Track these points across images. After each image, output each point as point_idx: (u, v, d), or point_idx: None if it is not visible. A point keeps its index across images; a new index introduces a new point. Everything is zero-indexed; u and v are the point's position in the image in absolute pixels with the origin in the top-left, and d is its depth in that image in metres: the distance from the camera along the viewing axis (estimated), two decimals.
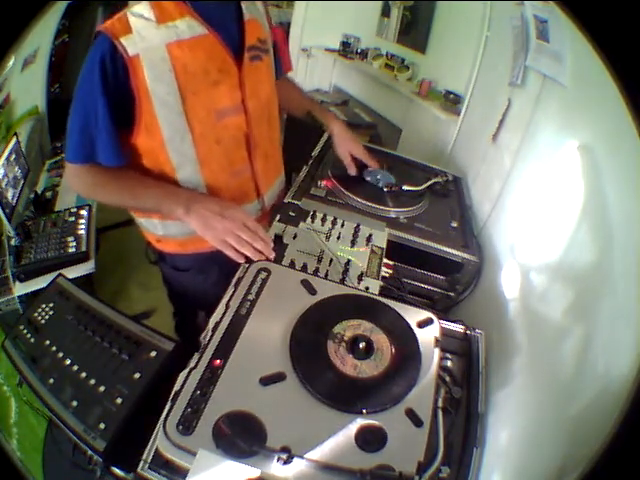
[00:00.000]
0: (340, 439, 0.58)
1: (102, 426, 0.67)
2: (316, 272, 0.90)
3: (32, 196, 1.80)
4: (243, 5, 0.95)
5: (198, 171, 0.94)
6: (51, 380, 0.75)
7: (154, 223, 1.04)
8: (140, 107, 0.84)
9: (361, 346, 0.69)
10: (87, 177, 0.91)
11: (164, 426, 0.56)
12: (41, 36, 2.08)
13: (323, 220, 1.06)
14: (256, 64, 0.98)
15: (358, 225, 1.06)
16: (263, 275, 0.80)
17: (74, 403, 0.70)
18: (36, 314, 0.87)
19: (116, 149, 0.87)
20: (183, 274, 1.14)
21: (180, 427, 0.56)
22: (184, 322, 1.43)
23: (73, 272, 1.40)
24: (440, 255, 1.08)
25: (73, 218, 1.64)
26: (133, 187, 0.91)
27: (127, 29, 0.80)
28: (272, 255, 0.85)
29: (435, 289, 1.11)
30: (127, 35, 0.79)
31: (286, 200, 1.13)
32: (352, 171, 1.26)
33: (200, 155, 0.93)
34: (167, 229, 1.04)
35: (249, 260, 0.84)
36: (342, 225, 1.06)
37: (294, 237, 0.99)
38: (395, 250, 1.05)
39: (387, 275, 0.99)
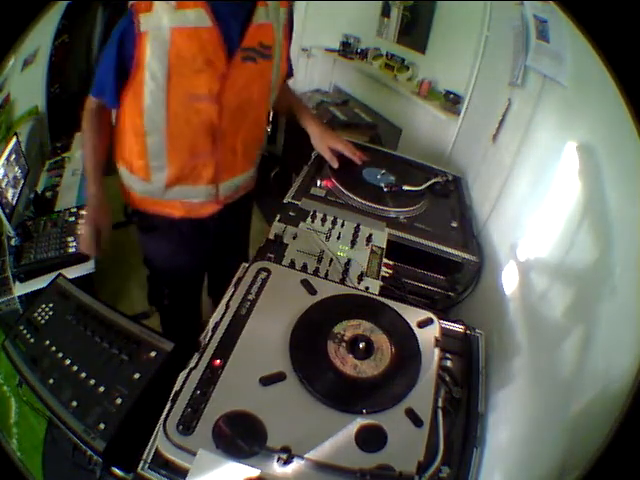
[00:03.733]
0: (340, 439, 0.58)
1: (102, 426, 0.67)
2: (316, 272, 0.90)
3: (32, 196, 1.79)
4: (260, 10, 1.02)
5: (164, 142, 1.06)
6: (51, 380, 0.75)
7: (126, 171, 1.16)
8: (136, 73, 0.97)
9: (361, 346, 0.69)
10: (88, 118, 1.10)
11: (164, 426, 0.56)
12: (41, 36, 2.08)
13: (323, 220, 1.06)
14: (248, 65, 1.04)
15: (358, 225, 1.06)
16: (263, 275, 0.80)
17: (74, 403, 0.70)
18: (36, 314, 0.87)
19: (116, 95, 1.02)
20: (151, 234, 1.27)
21: (180, 427, 0.56)
22: (154, 286, 1.54)
23: (73, 272, 1.39)
24: (440, 255, 1.08)
25: (73, 218, 1.64)
26: (88, 158, 1.12)
27: (148, 8, 0.92)
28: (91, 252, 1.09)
29: (435, 289, 1.11)
30: (145, 13, 0.91)
31: (286, 200, 1.13)
32: (334, 164, 1.28)
33: (169, 128, 1.04)
34: (145, 188, 1.15)
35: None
36: (342, 225, 1.06)
37: (294, 237, 0.99)
38: (395, 250, 1.05)
39: (387, 275, 0.99)
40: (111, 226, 1.10)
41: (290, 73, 1.27)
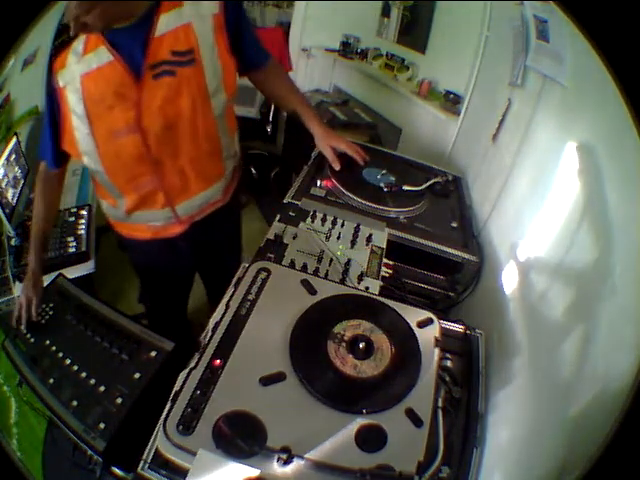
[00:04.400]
0: (340, 439, 0.58)
1: (102, 426, 0.67)
2: (316, 272, 0.90)
3: (32, 196, 1.79)
4: (164, 18, 0.95)
5: (107, 179, 1.08)
6: (51, 380, 0.75)
7: (99, 196, 1.21)
8: (64, 124, 1.03)
9: (361, 346, 0.69)
10: (37, 183, 1.15)
11: (164, 426, 0.56)
12: (41, 36, 2.08)
13: (323, 220, 1.06)
14: (164, 80, 0.97)
15: (358, 225, 1.06)
16: (263, 275, 0.80)
17: (74, 403, 0.71)
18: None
19: (55, 156, 1.09)
20: (126, 250, 1.40)
21: (180, 427, 0.56)
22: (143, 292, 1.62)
23: (73, 272, 1.39)
24: (440, 255, 1.08)
25: (73, 218, 1.64)
26: (32, 223, 1.15)
27: (63, 65, 0.98)
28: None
29: (435, 289, 1.11)
30: (61, 70, 0.98)
31: (286, 200, 1.13)
32: (336, 166, 1.26)
33: (106, 167, 1.06)
34: (111, 213, 1.20)
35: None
36: (342, 225, 1.06)
37: (294, 237, 0.99)
38: (395, 250, 1.05)
39: (387, 275, 0.99)
40: (40, 299, 1.00)
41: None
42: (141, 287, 1.65)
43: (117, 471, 0.69)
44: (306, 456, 0.55)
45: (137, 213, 1.14)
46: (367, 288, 0.88)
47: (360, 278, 0.91)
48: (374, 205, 1.16)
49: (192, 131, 1.05)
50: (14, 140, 1.70)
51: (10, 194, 1.59)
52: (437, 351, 0.72)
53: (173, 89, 0.98)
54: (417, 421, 0.62)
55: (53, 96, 1.00)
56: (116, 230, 1.24)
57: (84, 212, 1.67)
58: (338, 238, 1.01)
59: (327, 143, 1.28)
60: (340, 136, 1.32)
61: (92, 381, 0.73)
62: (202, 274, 1.53)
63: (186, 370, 0.64)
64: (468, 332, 0.83)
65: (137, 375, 0.72)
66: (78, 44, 0.97)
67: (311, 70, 2.98)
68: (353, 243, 1.01)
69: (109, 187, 1.11)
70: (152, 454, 0.58)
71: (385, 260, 0.99)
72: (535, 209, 0.92)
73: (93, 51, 0.95)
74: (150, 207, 1.14)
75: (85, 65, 0.95)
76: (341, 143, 1.29)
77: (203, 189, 1.17)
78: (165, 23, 0.95)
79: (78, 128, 1.01)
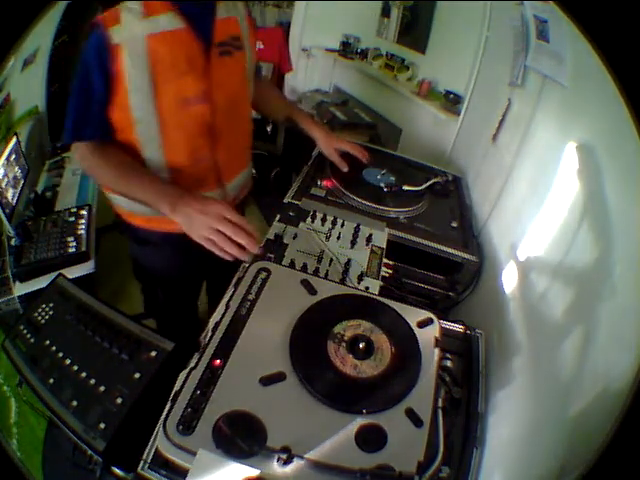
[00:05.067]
0: (340, 439, 0.58)
1: (102, 426, 0.67)
2: (316, 272, 0.90)
3: (32, 196, 1.80)
4: (221, 6, 1.03)
5: (161, 153, 1.02)
6: (51, 380, 0.75)
7: (123, 199, 1.09)
8: (117, 89, 0.93)
9: (361, 346, 0.69)
10: (86, 159, 1.00)
11: (164, 426, 0.56)
12: (41, 36, 2.08)
13: (323, 220, 1.06)
14: (225, 59, 1.03)
15: (358, 225, 1.06)
16: (263, 275, 0.80)
17: (74, 403, 0.70)
18: (36, 314, 0.87)
19: (105, 125, 0.97)
20: (143, 247, 1.21)
21: (180, 427, 0.56)
22: (150, 297, 1.49)
23: (73, 272, 1.39)
24: (440, 255, 1.08)
25: (73, 218, 1.64)
26: (128, 179, 0.97)
27: (116, 20, 0.90)
28: (257, 251, 0.85)
29: (435, 289, 1.11)
30: (115, 26, 0.89)
31: (286, 200, 1.13)
32: (344, 168, 1.27)
33: (164, 138, 1.00)
34: (131, 206, 1.07)
35: (237, 259, 0.83)
36: (342, 225, 1.06)
37: (294, 237, 0.99)
38: (395, 250, 1.05)
39: (387, 275, 0.99)
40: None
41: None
42: (148, 295, 1.51)
43: (117, 471, 0.69)
44: (306, 456, 0.55)
45: None
46: (367, 288, 0.88)
47: (360, 278, 0.91)
48: (374, 205, 1.16)
49: (241, 110, 1.14)
50: (14, 140, 1.70)
51: (10, 194, 1.59)
52: (437, 351, 0.72)
53: (231, 68, 1.07)
54: (417, 421, 0.62)
55: (100, 56, 0.90)
56: (138, 226, 1.14)
57: (84, 212, 1.67)
58: (338, 238, 1.01)
59: (331, 146, 1.29)
60: (340, 137, 1.33)
61: (92, 381, 0.73)
62: (210, 271, 1.46)
63: (186, 370, 0.64)
64: (468, 332, 0.82)
65: (137, 375, 0.72)
66: (133, 4, 0.91)
67: (311, 70, 2.99)
68: (353, 243, 1.01)
69: (155, 168, 1.03)
70: (152, 454, 0.58)
71: (385, 260, 0.99)
72: (535, 209, 0.92)
73: (159, 14, 0.92)
74: (202, 188, 1.09)
75: (151, 26, 0.91)
76: (344, 144, 1.30)
77: (242, 169, 1.22)
78: (221, 11, 1.03)
79: (136, 91, 0.93)
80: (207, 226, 0.83)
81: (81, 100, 0.94)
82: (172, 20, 0.93)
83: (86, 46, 0.92)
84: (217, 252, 0.84)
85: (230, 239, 0.83)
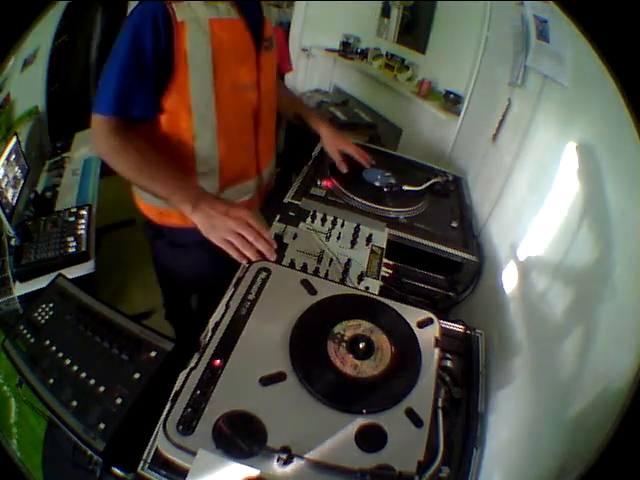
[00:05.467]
0: (340, 439, 0.58)
1: (102, 426, 0.67)
2: (316, 272, 0.90)
3: (32, 196, 1.80)
4: (264, 6, 1.10)
5: (215, 140, 1.01)
6: (51, 380, 0.75)
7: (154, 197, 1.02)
8: (177, 69, 0.91)
9: (361, 346, 0.69)
10: (112, 138, 0.90)
11: (164, 426, 0.56)
12: (41, 36, 2.08)
13: (323, 220, 1.06)
14: (269, 53, 1.11)
15: (358, 225, 1.06)
16: (263, 275, 0.80)
17: (74, 403, 0.70)
18: (36, 314, 0.87)
19: (153, 103, 0.93)
20: (180, 250, 1.14)
21: (180, 427, 0.56)
22: (175, 307, 1.44)
23: (73, 272, 1.39)
24: (440, 255, 1.08)
25: (73, 218, 1.63)
26: (150, 167, 0.91)
27: None
28: (274, 257, 0.86)
29: (435, 289, 1.11)
30: (178, 3, 0.87)
31: (286, 200, 1.13)
32: (343, 169, 1.27)
33: (219, 123, 1.00)
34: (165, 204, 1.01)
35: (250, 261, 0.84)
36: (342, 225, 1.06)
37: (294, 237, 0.99)
38: (395, 250, 1.05)
39: (387, 275, 0.99)
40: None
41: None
42: (173, 299, 1.42)
43: (117, 471, 0.68)
44: (306, 456, 0.55)
45: (227, 191, 1.10)
46: (367, 288, 0.88)
47: (360, 278, 0.91)
48: (374, 205, 1.16)
49: (274, 100, 1.20)
50: (14, 140, 1.70)
51: (10, 194, 1.59)
52: (437, 351, 0.72)
53: (271, 62, 1.14)
54: (417, 421, 0.61)
55: (159, 30, 0.85)
56: (174, 226, 1.07)
57: (84, 212, 1.67)
58: (338, 238, 1.01)
59: (335, 145, 1.30)
60: (346, 139, 1.33)
61: (92, 381, 0.73)
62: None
63: (186, 370, 0.64)
64: (468, 332, 0.82)
65: (137, 375, 0.72)
66: None
67: (311, 70, 2.99)
68: (353, 243, 1.01)
69: (207, 156, 1.02)
70: (152, 454, 0.58)
71: (385, 260, 0.99)
72: (535, 209, 0.92)
73: (218, 2, 0.94)
74: (245, 178, 1.14)
75: (213, 11, 0.92)
76: (349, 147, 1.30)
77: (272, 156, 1.27)
78: (265, 10, 1.10)
79: (198, 73, 0.92)
80: (228, 229, 0.84)
81: (131, 71, 0.87)
82: (230, 10, 0.96)
83: (143, 15, 0.86)
84: (234, 255, 0.84)
85: (249, 244, 0.83)
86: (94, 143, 0.95)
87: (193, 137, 1.00)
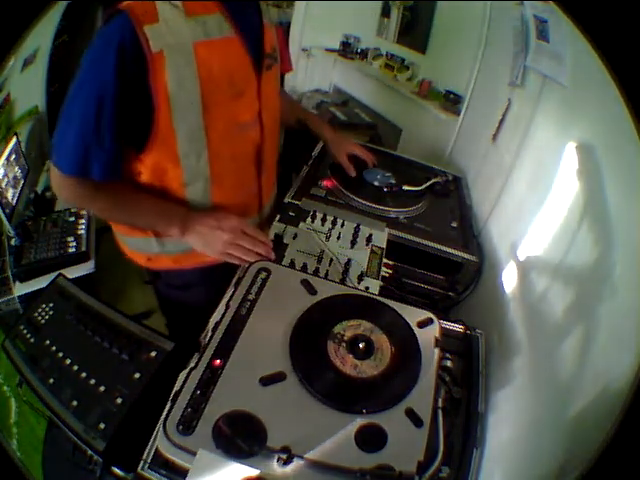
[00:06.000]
0: (340, 439, 0.58)
1: (102, 426, 0.67)
2: (316, 272, 0.90)
3: (32, 196, 1.80)
4: (263, 7, 0.86)
5: (208, 189, 0.86)
6: (51, 380, 0.75)
7: (149, 240, 0.94)
8: (157, 113, 0.72)
9: (361, 346, 0.69)
10: (76, 189, 0.79)
11: (164, 426, 0.56)
12: (41, 36, 2.08)
13: (323, 220, 1.06)
14: (269, 73, 0.89)
15: (358, 225, 1.06)
16: (263, 275, 0.80)
17: (74, 403, 0.70)
18: (36, 314, 0.87)
19: (117, 164, 0.76)
20: (182, 292, 1.05)
21: (180, 427, 0.56)
22: (180, 328, 1.38)
23: (73, 272, 1.39)
24: (440, 255, 1.08)
25: (73, 218, 1.64)
26: (125, 203, 0.83)
27: (153, 16, 0.66)
28: (273, 256, 0.87)
29: (435, 289, 1.11)
30: (153, 24, 0.66)
31: (286, 200, 1.13)
32: (352, 173, 1.26)
33: (214, 172, 0.85)
34: (163, 246, 0.95)
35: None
36: (342, 225, 1.06)
37: (294, 237, 0.99)
38: (395, 250, 1.05)
39: (387, 275, 0.99)
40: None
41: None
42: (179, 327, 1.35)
43: (117, 471, 0.69)
44: (306, 456, 0.55)
45: None
46: (367, 288, 0.88)
47: (360, 278, 0.91)
48: (374, 205, 1.16)
49: (278, 127, 1.01)
50: (14, 140, 1.70)
51: (10, 194, 1.59)
52: (437, 351, 0.72)
53: (273, 84, 0.92)
54: (417, 421, 0.62)
55: (131, 63, 0.66)
56: (170, 269, 0.99)
57: (84, 212, 1.67)
58: (338, 238, 1.01)
59: (342, 150, 1.26)
60: (350, 140, 1.32)
61: (92, 381, 0.73)
62: None
63: (186, 370, 0.64)
64: (468, 332, 0.82)
65: (137, 375, 0.72)
66: None
67: (311, 70, 2.98)
68: (353, 243, 1.01)
69: (198, 203, 0.87)
70: (152, 454, 0.58)
71: (385, 260, 0.99)
72: (535, 209, 0.92)
73: (207, 14, 0.72)
74: (244, 216, 0.94)
75: (198, 30, 0.70)
76: (354, 148, 1.28)
77: (274, 187, 1.12)
78: (265, 13, 0.86)
79: (183, 117, 0.74)
80: (225, 241, 0.83)
81: (90, 126, 0.69)
82: (221, 24, 0.74)
83: (105, 47, 0.66)
84: (236, 262, 0.84)
85: (248, 250, 0.83)
86: (56, 193, 0.83)
87: (183, 186, 0.85)
